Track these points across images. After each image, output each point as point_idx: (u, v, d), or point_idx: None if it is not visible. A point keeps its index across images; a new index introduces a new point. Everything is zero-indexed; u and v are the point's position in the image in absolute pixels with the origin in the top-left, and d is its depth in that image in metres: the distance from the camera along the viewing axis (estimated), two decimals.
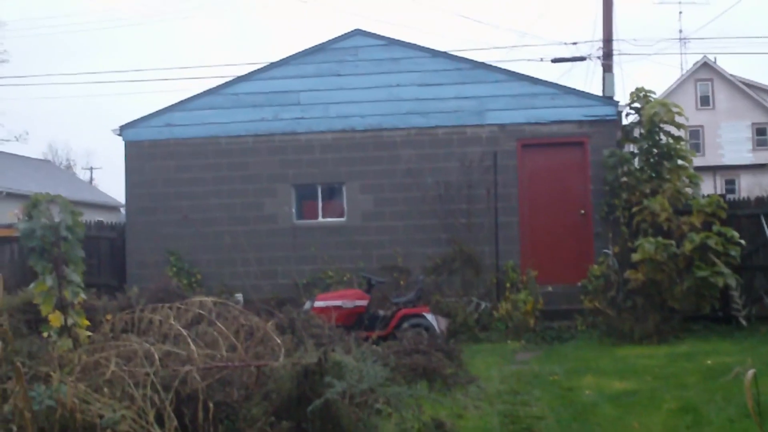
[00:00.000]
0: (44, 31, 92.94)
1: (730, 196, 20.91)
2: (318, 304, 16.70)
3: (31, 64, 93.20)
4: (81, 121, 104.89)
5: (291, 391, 7.14)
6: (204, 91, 21.70)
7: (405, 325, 16.31)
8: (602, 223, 19.80)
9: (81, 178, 68.87)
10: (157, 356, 7.04)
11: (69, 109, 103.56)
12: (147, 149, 21.74)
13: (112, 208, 52.72)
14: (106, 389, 6.74)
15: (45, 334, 8.88)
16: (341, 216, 21.21)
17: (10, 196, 39.81)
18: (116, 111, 73.77)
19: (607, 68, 22.92)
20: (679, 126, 19.52)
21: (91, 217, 30.39)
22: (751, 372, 4.87)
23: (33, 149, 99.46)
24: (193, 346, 7.33)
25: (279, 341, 8.14)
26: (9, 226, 21.14)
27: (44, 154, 70.10)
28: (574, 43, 35.23)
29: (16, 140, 66.53)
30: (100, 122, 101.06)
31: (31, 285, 8.93)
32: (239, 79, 21.66)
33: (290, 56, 21.52)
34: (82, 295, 9.06)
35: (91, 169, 77.59)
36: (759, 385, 5.38)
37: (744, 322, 17.18)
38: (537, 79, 20.68)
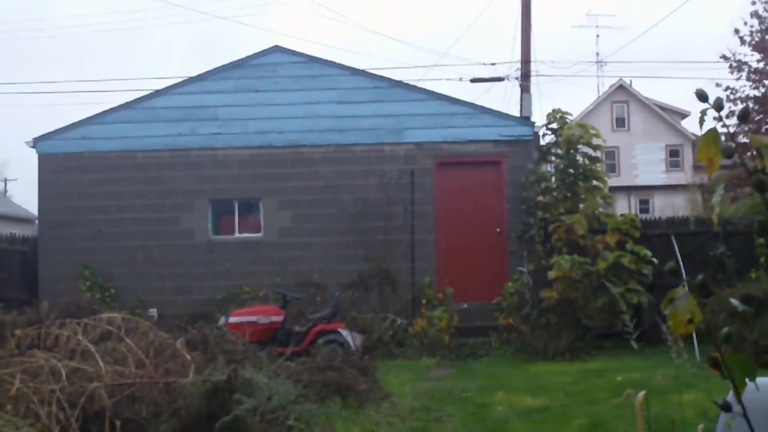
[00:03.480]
0: None
1: (643, 216, 21.33)
2: (233, 320, 16.62)
3: None
4: None
5: (200, 408, 7.11)
6: (121, 105, 21.47)
7: (320, 341, 16.27)
8: (517, 241, 19.99)
9: None
10: (63, 373, 6.95)
11: None
12: (62, 162, 21.42)
13: (27, 220, 51.70)
14: (9, 406, 6.63)
15: None
16: (258, 231, 21.12)
17: None
18: (34, 122, 72.64)
19: (525, 89, 23.19)
20: (596, 147, 19.83)
21: (3, 229, 29.80)
22: (641, 393, 4.98)
23: None
24: (101, 363, 7.26)
25: (189, 358, 8.09)
26: None
27: None
28: (493, 64, 35.46)
29: None
30: (16, 133, 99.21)
31: None
32: (157, 93, 21.48)
33: (209, 71, 21.43)
34: None
35: (5, 180, 76.03)
36: (665, 400, 5.49)
37: (635, 345, 17.41)
38: (455, 98, 20.86)
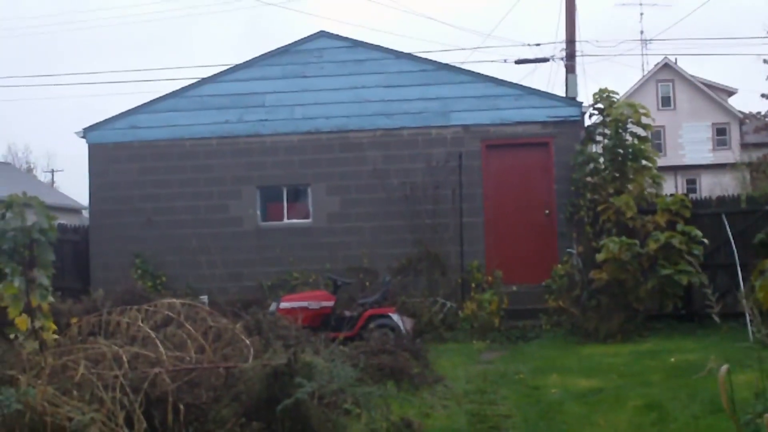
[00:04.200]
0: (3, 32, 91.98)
1: (692, 196, 21.12)
2: (284, 305, 16.68)
3: None
4: (42, 124, 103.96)
5: (261, 392, 7.16)
6: (168, 93, 21.64)
7: (371, 325, 16.30)
8: (566, 223, 19.90)
9: (42, 181, 68.12)
10: (125, 358, 7.03)
11: (29, 112, 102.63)
12: (111, 151, 21.62)
13: (74, 210, 52.23)
14: (75, 392, 6.73)
15: (12, 337, 8.83)
16: (307, 217, 21.21)
17: None
18: (78, 113, 73.14)
19: (570, 69, 23.10)
20: (645, 127, 19.68)
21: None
22: (724, 367, 4.94)
23: None
24: (161, 348, 7.33)
25: (248, 342, 8.15)
26: None
27: (4, 157, 69.25)
28: (537, 45, 35.43)
29: None
30: (62, 124, 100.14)
31: None
32: (203, 81, 21.61)
33: (255, 58, 21.51)
34: (50, 299, 9.01)
35: (53, 171, 76.83)
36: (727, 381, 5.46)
37: (717, 320, 17.32)
38: (501, 80, 20.79)
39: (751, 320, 15.13)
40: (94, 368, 7.02)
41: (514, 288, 19.50)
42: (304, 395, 6.88)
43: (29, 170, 73.86)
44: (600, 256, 17.46)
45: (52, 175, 76.15)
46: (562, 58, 23.67)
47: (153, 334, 7.54)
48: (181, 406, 6.87)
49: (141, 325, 7.73)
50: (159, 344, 7.37)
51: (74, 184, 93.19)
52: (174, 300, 8.45)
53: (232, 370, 7.49)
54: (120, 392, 6.70)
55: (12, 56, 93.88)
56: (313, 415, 7.15)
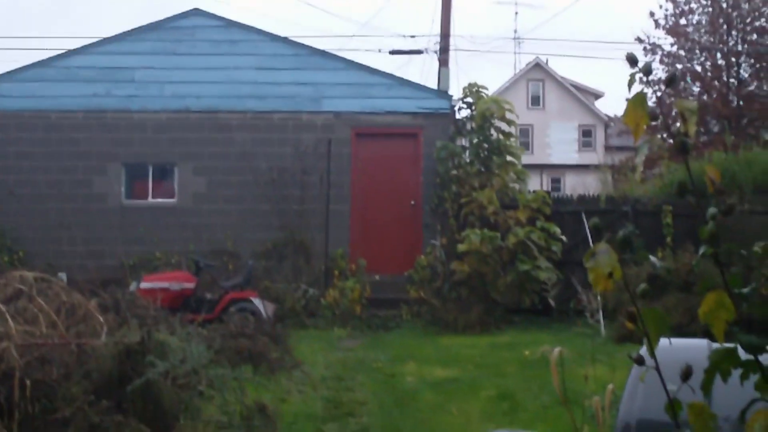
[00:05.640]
0: None
1: (555, 194, 21.59)
2: (144, 285, 16.48)
3: None
4: None
5: (112, 370, 7.06)
6: (34, 63, 21.02)
7: (232, 309, 16.25)
8: (431, 214, 20.12)
9: None
10: None
11: None
12: None
13: None
14: None
15: None
16: (172, 197, 20.95)
17: None
18: None
19: (444, 63, 23.30)
20: (509, 123, 20.01)
21: None
22: (557, 350, 5.11)
23: None
24: (10, 323, 7.16)
25: (102, 320, 8.03)
26: None
27: None
28: (412, 36, 35.90)
29: None
30: None
31: None
32: (72, 53, 21.08)
33: (126, 32, 21.09)
34: None
35: None
36: (570, 374, 5.64)
37: (552, 303, 17.75)
38: (374, 69, 20.90)
39: (589, 314, 15.68)
40: None
41: (377, 277, 19.62)
42: (156, 375, 6.82)
43: None
44: (462, 247, 17.74)
45: None
46: (436, 51, 23.86)
47: (2, 308, 7.36)
48: (29, 382, 6.72)
49: None
50: (8, 318, 7.20)
51: None
52: (26, 273, 8.26)
53: (84, 347, 7.37)
54: None
55: None
56: (165, 395, 7.10)
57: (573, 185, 46.88)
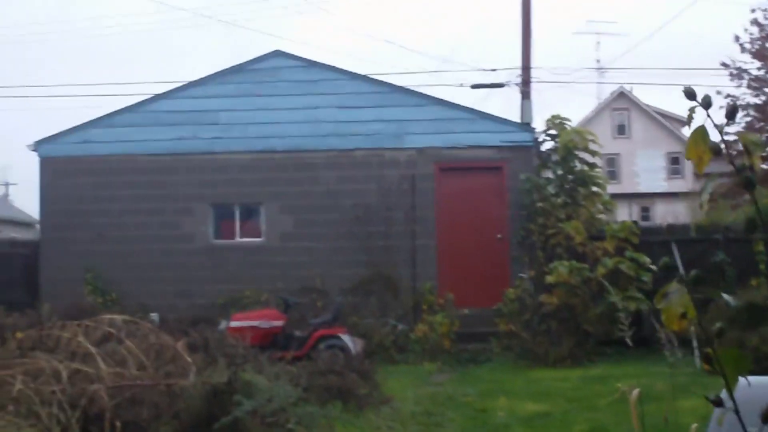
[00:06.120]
0: None
1: (644, 223, 21.31)
2: (234, 324, 16.63)
3: None
4: None
5: (201, 410, 7.13)
6: (123, 108, 21.51)
7: (321, 346, 16.29)
8: (518, 247, 19.98)
9: None
10: (64, 374, 6.96)
11: None
12: (63, 165, 21.43)
13: (28, 224, 51.78)
14: (11, 407, 6.66)
15: None
16: (259, 236, 21.14)
17: None
18: (37, 126, 72.38)
19: (525, 95, 23.18)
20: (593, 153, 19.84)
21: (5, 233, 29.87)
22: (636, 391, 5.02)
23: None
24: (102, 364, 7.27)
25: (189, 360, 8.10)
26: None
27: None
28: (494, 70, 35.45)
29: None
30: (18, 137, 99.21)
31: None
32: (158, 97, 21.53)
33: (209, 75, 21.47)
34: None
35: (7, 184, 75.94)
36: (671, 407, 5.55)
37: (630, 343, 17.45)
38: (455, 104, 20.88)
39: (673, 346, 15.34)
40: (33, 383, 6.95)
41: (466, 311, 19.48)
42: (242, 413, 6.85)
43: None
44: (550, 279, 17.56)
45: (6, 188, 75.26)
46: (517, 84, 23.74)
47: (93, 350, 7.48)
48: (119, 423, 6.81)
49: (81, 340, 7.67)
50: (99, 360, 7.31)
51: (29, 198, 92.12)
52: (115, 316, 8.39)
53: (172, 388, 7.44)
54: (57, 408, 6.64)
55: None
56: None
57: (663, 214, 46.28)
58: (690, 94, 2.42)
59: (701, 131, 2.39)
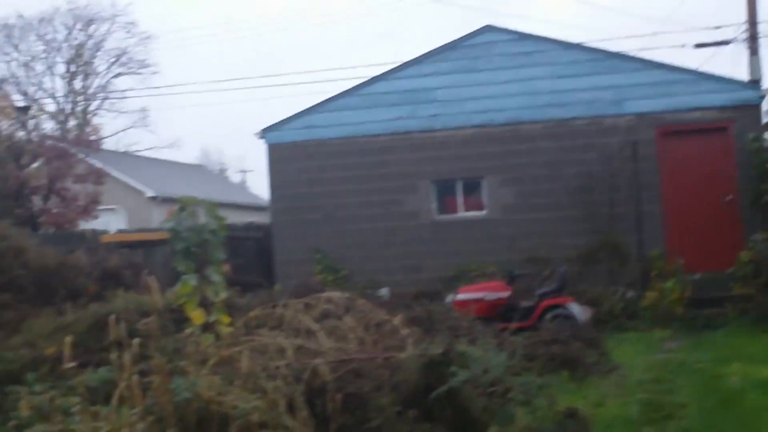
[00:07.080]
0: (191, 41, 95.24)
1: None
2: (460, 297, 16.83)
3: (186, 74, 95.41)
4: (232, 126, 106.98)
5: (418, 381, 7.30)
6: (341, 92, 22.11)
7: (548, 315, 16.26)
8: (750, 208, 19.35)
9: (233, 181, 70.15)
10: (288, 350, 7.28)
11: (220, 115, 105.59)
12: (288, 151, 22.22)
13: (263, 209, 53.74)
14: (239, 382, 7.01)
15: (188, 332, 9.19)
16: (482, 209, 21.30)
17: (166, 200, 40.83)
18: (264, 115, 74.77)
19: (753, 51, 22.33)
20: None
21: (242, 218, 31.26)
22: None
23: (187, 155, 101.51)
24: (323, 340, 7.55)
25: (406, 333, 8.30)
26: (160, 230, 21.85)
27: (198, 160, 71.50)
28: (718, 27, 34.31)
29: (167, 148, 68.99)
30: (251, 127, 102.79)
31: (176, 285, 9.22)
32: (374, 80, 21.98)
33: (423, 55, 21.73)
34: (223, 294, 9.33)
35: (244, 171, 78.90)
36: None
37: None
38: (674, 66, 20.38)
39: None
40: (259, 359, 7.29)
41: (697, 276, 19.03)
42: (458, 383, 6.98)
43: (221, 171, 76.09)
44: None
45: (244, 175, 78.28)
46: (744, 40, 22.90)
47: (315, 327, 7.78)
48: (340, 396, 7.07)
49: (303, 317, 7.99)
50: (321, 335, 7.60)
51: (264, 184, 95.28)
52: (334, 293, 8.68)
53: (390, 360, 7.65)
54: (282, 382, 6.94)
55: (197, 63, 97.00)
56: (472, 403, 7.24)
57: None
58: None
59: None
